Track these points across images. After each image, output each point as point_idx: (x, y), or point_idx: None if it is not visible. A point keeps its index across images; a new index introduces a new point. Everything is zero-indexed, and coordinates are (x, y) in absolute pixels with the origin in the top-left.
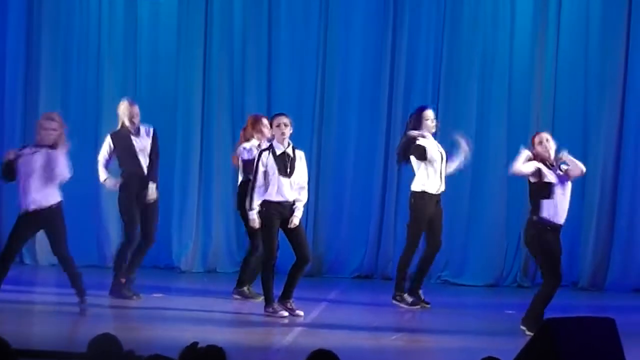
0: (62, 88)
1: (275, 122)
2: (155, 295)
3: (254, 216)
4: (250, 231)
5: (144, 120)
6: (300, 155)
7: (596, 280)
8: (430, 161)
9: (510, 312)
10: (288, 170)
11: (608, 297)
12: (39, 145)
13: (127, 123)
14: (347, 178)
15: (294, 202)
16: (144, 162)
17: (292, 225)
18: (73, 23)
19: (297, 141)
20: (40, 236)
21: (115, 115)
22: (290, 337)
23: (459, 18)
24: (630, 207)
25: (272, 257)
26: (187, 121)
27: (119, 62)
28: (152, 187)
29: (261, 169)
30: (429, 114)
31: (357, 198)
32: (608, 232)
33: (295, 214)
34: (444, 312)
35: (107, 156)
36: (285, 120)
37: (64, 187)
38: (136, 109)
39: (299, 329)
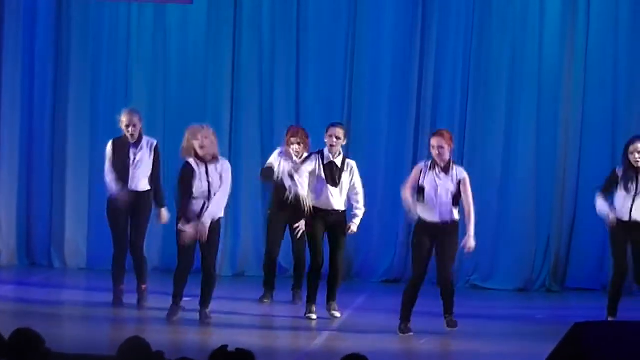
0: (91, 93)
1: (328, 132)
2: (185, 299)
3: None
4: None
5: (174, 127)
6: (351, 166)
7: (626, 284)
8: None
9: (539, 316)
10: (336, 179)
11: (638, 302)
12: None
13: (124, 132)
14: (377, 181)
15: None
16: (140, 174)
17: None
18: (102, 29)
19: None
20: (70, 238)
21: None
22: (318, 341)
23: (488, 19)
24: None
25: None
26: (216, 127)
27: (147, 68)
28: (163, 213)
29: (308, 168)
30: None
31: (386, 202)
32: None
33: (352, 220)
34: (473, 316)
35: (110, 166)
36: (336, 131)
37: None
38: (132, 117)
39: (328, 332)
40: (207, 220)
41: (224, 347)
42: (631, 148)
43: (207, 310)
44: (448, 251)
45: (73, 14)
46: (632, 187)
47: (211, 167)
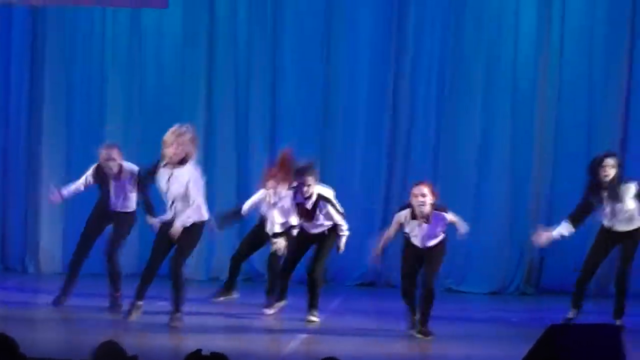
0: (67, 98)
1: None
2: (159, 303)
3: None
4: None
5: (150, 131)
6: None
7: (602, 287)
8: None
9: (513, 319)
10: (311, 216)
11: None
12: None
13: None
14: (353, 183)
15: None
16: (123, 201)
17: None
18: (77, 33)
19: (301, 149)
20: (45, 243)
21: (118, 125)
22: (294, 345)
23: (464, 19)
24: None
25: None
26: None
27: (123, 72)
28: (153, 221)
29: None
30: None
31: (360, 205)
32: None
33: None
34: (448, 319)
35: (83, 184)
36: (306, 180)
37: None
38: (110, 152)
39: (303, 336)
40: (176, 224)
41: (198, 351)
42: (603, 163)
43: (176, 314)
44: (434, 263)
45: (48, 18)
46: (605, 197)
47: (176, 172)
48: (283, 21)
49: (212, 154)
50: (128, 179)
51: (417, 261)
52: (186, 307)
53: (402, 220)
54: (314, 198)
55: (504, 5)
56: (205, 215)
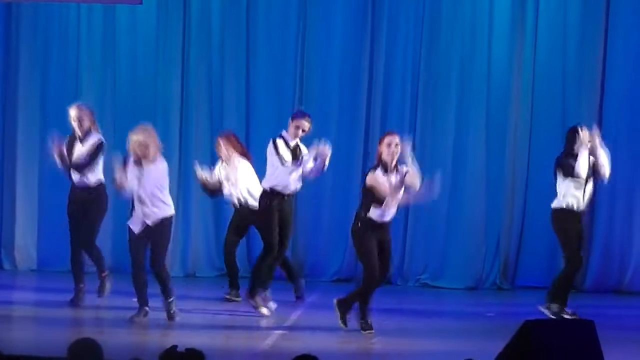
0: (41, 95)
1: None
2: (134, 299)
3: None
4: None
5: (124, 128)
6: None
7: (575, 281)
8: None
9: (490, 314)
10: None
11: (588, 298)
12: None
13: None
14: (326, 182)
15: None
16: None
17: None
18: (51, 30)
19: None
20: (20, 240)
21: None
22: (270, 341)
23: (437, 22)
24: (609, 208)
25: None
26: (166, 127)
27: (97, 69)
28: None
29: None
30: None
31: (336, 201)
32: (586, 234)
33: None
34: (424, 314)
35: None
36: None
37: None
38: (75, 112)
39: (279, 332)
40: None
41: (174, 347)
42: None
43: (169, 300)
44: (389, 249)
45: (22, 15)
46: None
47: (144, 169)
48: (257, 20)
49: (186, 152)
50: (89, 144)
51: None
52: (162, 304)
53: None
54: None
55: (477, 8)
56: (172, 210)
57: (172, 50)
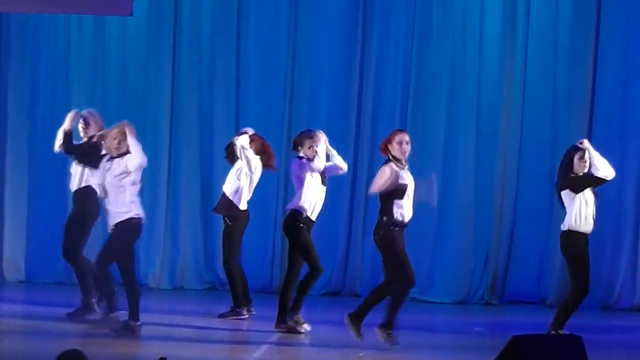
0: (30, 106)
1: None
2: (122, 312)
3: None
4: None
5: None
6: None
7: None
8: None
9: (478, 329)
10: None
11: (576, 314)
12: None
13: None
14: None
15: None
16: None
17: None
18: (41, 41)
19: None
20: (8, 251)
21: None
22: (257, 354)
23: (428, 27)
24: (596, 224)
25: None
26: (156, 135)
27: (87, 80)
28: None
29: None
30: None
31: (325, 214)
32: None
33: None
34: (413, 328)
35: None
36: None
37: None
38: (87, 116)
39: (267, 345)
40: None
41: (162, 359)
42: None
43: (132, 322)
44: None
45: (12, 26)
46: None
47: (113, 163)
48: (247, 32)
49: (176, 161)
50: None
51: None
52: (151, 317)
53: (394, 168)
54: None
55: (468, 14)
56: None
57: (162, 61)
